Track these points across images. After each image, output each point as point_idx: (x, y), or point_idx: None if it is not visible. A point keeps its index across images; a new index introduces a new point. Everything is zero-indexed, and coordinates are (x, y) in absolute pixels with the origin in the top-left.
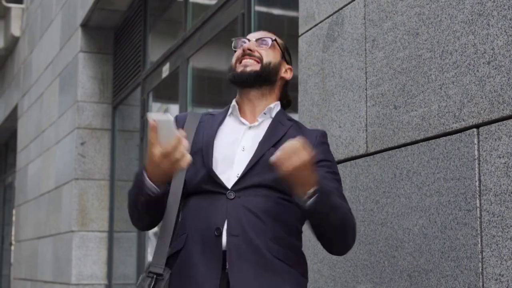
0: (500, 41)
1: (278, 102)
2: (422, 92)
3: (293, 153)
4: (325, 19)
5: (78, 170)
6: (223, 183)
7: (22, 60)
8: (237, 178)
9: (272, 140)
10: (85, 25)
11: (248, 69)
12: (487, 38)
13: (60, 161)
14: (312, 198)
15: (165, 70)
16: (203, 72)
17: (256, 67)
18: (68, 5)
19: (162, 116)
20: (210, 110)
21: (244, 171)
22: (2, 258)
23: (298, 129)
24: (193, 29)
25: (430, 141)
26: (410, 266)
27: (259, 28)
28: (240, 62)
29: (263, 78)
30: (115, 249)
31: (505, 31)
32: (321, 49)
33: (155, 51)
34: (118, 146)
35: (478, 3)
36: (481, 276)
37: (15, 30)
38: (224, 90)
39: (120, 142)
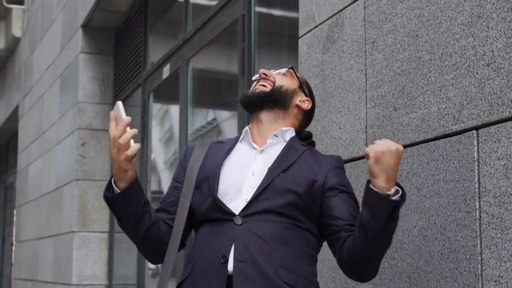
0: (500, 43)
1: (293, 129)
2: (422, 94)
3: (385, 143)
4: (325, 20)
5: (78, 170)
6: (230, 210)
7: (23, 61)
8: (245, 203)
9: (282, 165)
10: (85, 26)
11: (258, 90)
12: (487, 40)
13: (61, 162)
14: (397, 195)
15: (166, 71)
16: (204, 73)
17: (266, 88)
18: (69, 6)
19: (115, 106)
20: (220, 139)
21: (252, 196)
22: (3, 259)
23: (313, 155)
24: (193, 30)
25: (430, 142)
26: (410, 267)
27: (259, 29)
28: (254, 87)
29: (273, 100)
30: (116, 250)
31: (504, 33)
32: (321, 50)
33: (155, 52)
34: None
35: (478, 5)
36: (480, 278)
37: (16, 31)
38: (224, 91)
39: None
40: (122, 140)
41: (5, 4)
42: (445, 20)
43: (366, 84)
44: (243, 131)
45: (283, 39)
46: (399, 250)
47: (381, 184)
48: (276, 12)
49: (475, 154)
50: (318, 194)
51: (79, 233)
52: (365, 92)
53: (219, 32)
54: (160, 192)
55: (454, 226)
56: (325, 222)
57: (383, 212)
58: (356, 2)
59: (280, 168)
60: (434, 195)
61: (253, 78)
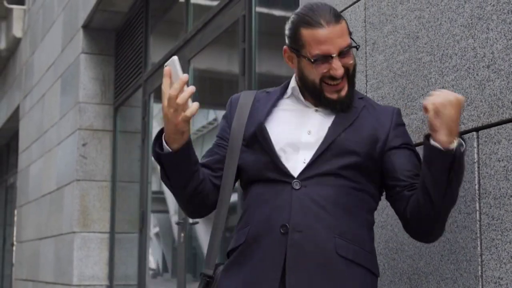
0: (500, 45)
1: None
2: (422, 95)
3: (444, 93)
4: None
5: (79, 171)
6: (288, 171)
7: (24, 61)
8: (304, 165)
9: (344, 123)
10: (86, 27)
11: (343, 93)
12: (487, 42)
13: (62, 162)
14: (461, 147)
15: None
16: (204, 73)
17: (345, 85)
18: (70, 6)
19: (170, 60)
20: (266, 89)
21: (312, 158)
22: (4, 259)
23: (372, 108)
24: (194, 30)
25: None
26: (410, 268)
27: (260, 29)
28: (322, 86)
29: (353, 84)
30: (117, 250)
31: (504, 35)
32: None
33: (156, 52)
34: (120, 147)
35: (478, 7)
36: (480, 279)
37: (17, 31)
38: (225, 91)
39: (122, 143)
40: (180, 100)
41: (5, 4)
42: (445, 21)
43: (366, 85)
44: (291, 87)
45: (284, 39)
46: (399, 252)
47: (442, 138)
48: (277, 12)
49: (475, 155)
50: (379, 154)
51: (80, 233)
52: (365, 93)
53: (220, 33)
54: (161, 192)
55: (454, 227)
56: (388, 183)
57: (446, 167)
58: (356, 3)
59: (341, 127)
60: None
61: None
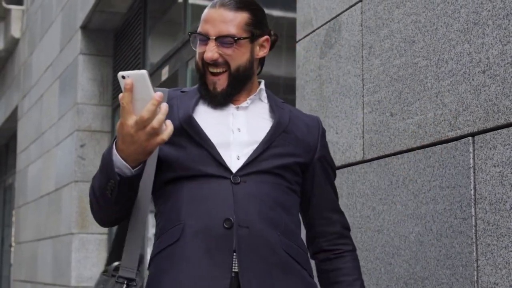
0: (495, 50)
1: (263, 81)
2: (418, 99)
3: None
4: (322, 25)
5: (77, 172)
6: (227, 165)
7: (22, 61)
8: (238, 161)
9: (282, 125)
10: (85, 27)
11: (219, 88)
12: (482, 47)
13: (60, 163)
14: None
15: (164, 73)
16: None
17: (224, 82)
18: (69, 7)
19: (135, 72)
20: (181, 88)
21: (252, 155)
22: (2, 260)
23: (297, 112)
24: (192, 32)
25: (426, 148)
26: (406, 273)
27: None
28: (205, 70)
29: (237, 85)
30: None
31: (500, 40)
32: (318, 55)
33: (154, 53)
34: None
35: (474, 12)
36: (476, 285)
37: (15, 32)
38: None
39: None
40: (157, 123)
41: (4, 4)
42: (441, 26)
43: (363, 89)
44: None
45: (282, 40)
46: (395, 256)
47: None
48: (275, 12)
49: (471, 160)
50: (309, 160)
51: (78, 234)
52: (362, 97)
53: None
54: None
55: (450, 232)
56: (304, 203)
57: None
58: (353, 7)
59: (280, 127)
60: (430, 201)
61: (194, 47)
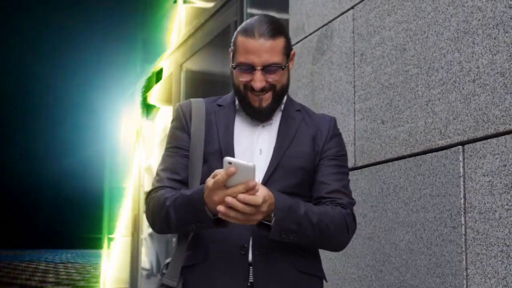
0: (485, 59)
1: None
2: (409, 107)
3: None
4: (314, 31)
5: None
6: None
7: None
8: None
9: (286, 141)
10: None
11: (264, 104)
12: (472, 56)
13: None
14: (272, 220)
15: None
16: (197, 75)
17: (269, 98)
18: None
19: (244, 163)
20: (212, 98)
21: (264, 179)
22: None
23: (309, 119)
24: (186, 35)
25: (417, 157)
26: (397, 281)
27: None
28: (246, 93)
29: (280, 99)
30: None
31: (489, 49)
32: (310, 61)
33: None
34: None
35: (464, 21)
36: None
37: None
38: (218, 94)
39: None
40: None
41: None
42: (432, 35)
43: (354, 96)
44: (238, 100)
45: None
46: (386, 264)
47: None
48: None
49: (461, 169)
50: (316, 166)
51: None
52: (353, 104)
53: (211, 39)
54: None
55: (440, 241)
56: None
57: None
58: (345, 14)
59: (284, 145)
60: (420, 209)
61: (240, 71)
